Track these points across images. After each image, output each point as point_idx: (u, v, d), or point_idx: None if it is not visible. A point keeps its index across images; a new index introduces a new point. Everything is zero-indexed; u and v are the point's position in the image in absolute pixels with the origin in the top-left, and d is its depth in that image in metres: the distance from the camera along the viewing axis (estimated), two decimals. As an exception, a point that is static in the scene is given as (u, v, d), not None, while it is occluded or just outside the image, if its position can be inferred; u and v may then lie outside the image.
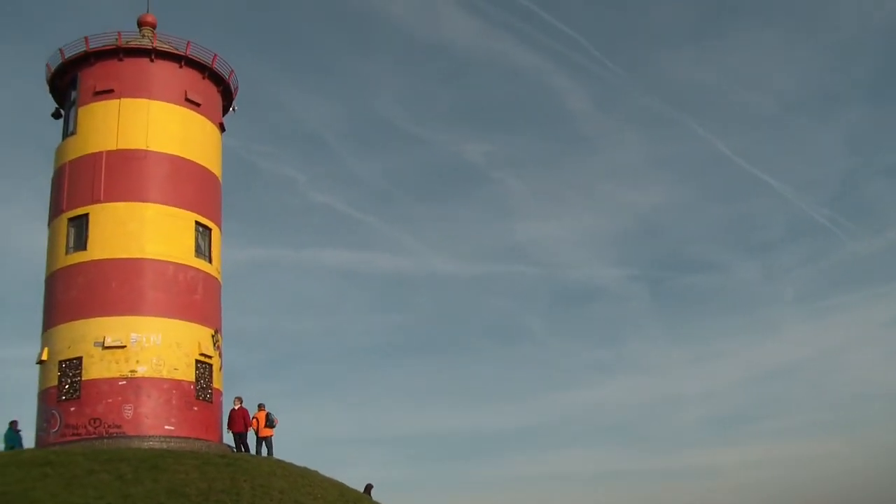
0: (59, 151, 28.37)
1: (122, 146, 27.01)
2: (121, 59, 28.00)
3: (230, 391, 27.04)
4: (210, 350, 26.81)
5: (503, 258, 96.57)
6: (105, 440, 23.80)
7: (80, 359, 24.98)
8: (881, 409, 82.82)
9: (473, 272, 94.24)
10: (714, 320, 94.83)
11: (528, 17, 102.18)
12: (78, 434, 24.16)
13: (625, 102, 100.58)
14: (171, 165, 27.49)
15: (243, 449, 26.03)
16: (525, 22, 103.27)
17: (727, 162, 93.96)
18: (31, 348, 26.45)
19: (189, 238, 27.31)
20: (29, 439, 25.53)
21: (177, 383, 25.43)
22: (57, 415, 24.74)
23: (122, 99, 27.53)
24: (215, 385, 26.89)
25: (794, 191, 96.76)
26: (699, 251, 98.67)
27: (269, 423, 26.18)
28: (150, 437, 24.24)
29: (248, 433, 26.31)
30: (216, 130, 29.99)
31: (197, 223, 27.73)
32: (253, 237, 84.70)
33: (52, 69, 28.72)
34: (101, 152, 26.94)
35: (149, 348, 25.21)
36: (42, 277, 27.30)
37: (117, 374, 24.76)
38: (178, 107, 28.25)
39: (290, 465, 24.37)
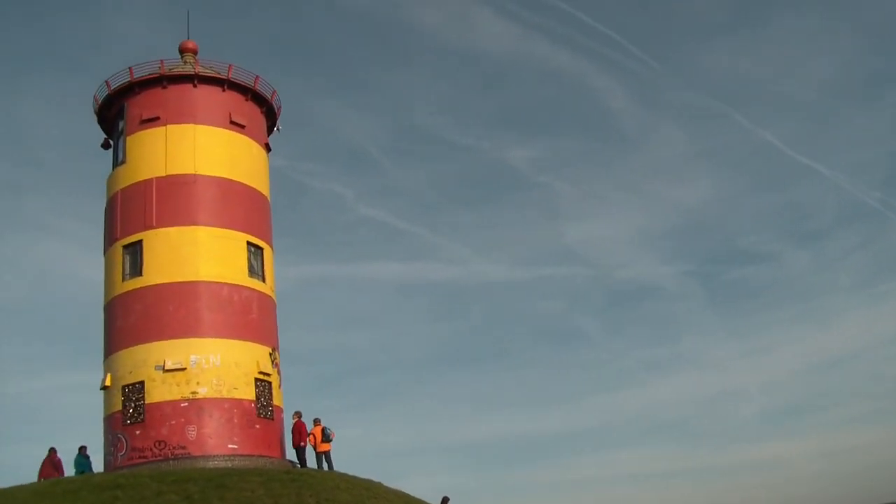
0: (111, 181, 28.92)
1: (171, 172, 27.44)
2: (165, 87, 28.46)
3: (290, 408, 27.24)
4: (268, 368, 27.04)
5: (554, 261, 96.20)
6: (171, 461, 24.11)
7: (142, 383, 25.37)
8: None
9: (525, 276, 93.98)
10: (769, 312, 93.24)
11: (562, 18, 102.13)
12: (144, 457, 24.52)
13: (665, 97, 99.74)
14: (220, 188, 27.85)
15: (304, 463, 26.16)
16: (560, 23, 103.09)
17: (773, 151, 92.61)
18: (95, 375, 26.98)
19: (242, 259, 27.62)
20: (97, 463, 26.06)
21: (237, 402, 25.69)
22: (123, 439, 25.14)
23: (168, 126, 27.97)
24: (275, 402, 27.11)
25: (844, 176, 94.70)
26: (750, 243, 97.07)
27: (326, 437, 26.23)
28: (214, 456, 24.49)
29: (307, 448, 26.43)
30: (262, 151, 30.34)
31: (249, 243, 28.04)
32: (304, 254, 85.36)
33: (100, 101, 29.31)
34: (150, 179, 27.41)
35: (208, 369, 25.51)
36: (101, 305, 27.82)
37: (179, 397, 25.09)
38: (223, 130, 28.62)
39: (354, 478, 24.44)
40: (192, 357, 25.48)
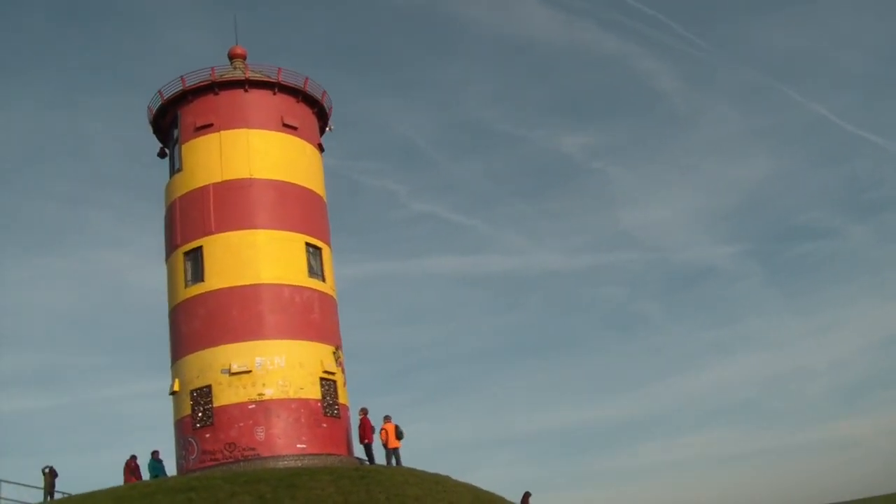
0: (169, 189, 29.34)
1: (227, 177, 27.71)
2: (216, 93, 28.78)
3: (356, 405, 27.32)
4: (333, 367, 27.18)
5: (612, 247, 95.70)
6: (241, 463, 24.40)
7: (209, 387, 25.70)
8: None
9: (584, 264, 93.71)
10: (832, 287, 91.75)
11: (609, 3, 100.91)
12: (215, 459, 24.84)
13: (716, 76, 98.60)
14: (277, 191, 28.05)
15: (373, 460, 26.25)
16: (606, 8, 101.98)
17: (829, 124, 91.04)
18: (165, 381, 27.40)
19: (301, 260, 27.80)
20: (170, 467, 26.47)
21: (304, 402, 25.87)
22: (194, 442, 25.50)
23: (221, 132, 28.27)
24: (341, 401, 27.24)
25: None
26: (809, 219, 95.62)
27: (399, 434, 26.26)
28: (283, 456, 24.71)
29: (375, 444, 26.50)
30: (316, 152, 30.49)
31: (307, 244, 28.21)
32: (363, 253, 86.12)
33: (154, 111, 29.74)
34: (207, 185, 27.73)
35: (273, 371, 25.73)
36: (166, 312, 28.25)
37: (246, 399, 25.35)
38: (276, 133, 28.84)
39: (423, 472, 24.48)
40: (258, 359, 25.71)
